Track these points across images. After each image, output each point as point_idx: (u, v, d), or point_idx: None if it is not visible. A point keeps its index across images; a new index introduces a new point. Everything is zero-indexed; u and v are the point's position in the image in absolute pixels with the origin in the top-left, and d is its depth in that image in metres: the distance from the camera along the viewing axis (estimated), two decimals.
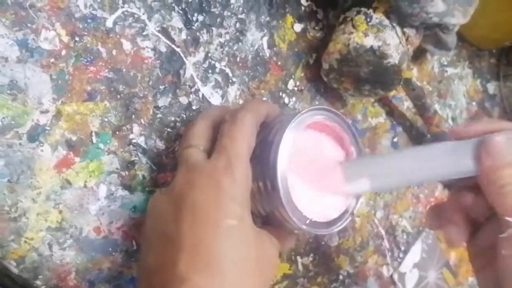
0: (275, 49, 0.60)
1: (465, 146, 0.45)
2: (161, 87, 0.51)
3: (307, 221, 0.44)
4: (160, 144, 0.51)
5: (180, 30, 0.52)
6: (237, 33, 0.56)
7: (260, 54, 0.58)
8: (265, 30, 0.58)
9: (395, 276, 0.74)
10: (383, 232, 0.73)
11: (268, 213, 0.45)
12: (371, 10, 0.58)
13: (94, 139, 0.47)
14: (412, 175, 0.47)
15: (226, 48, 0.55)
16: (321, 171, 0.48)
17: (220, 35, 0.55)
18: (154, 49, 0.50)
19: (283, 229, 0.46)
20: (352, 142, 0.49)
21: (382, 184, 0.49)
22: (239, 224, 0.40)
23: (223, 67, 0.55)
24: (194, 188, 0.41)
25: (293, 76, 0.62)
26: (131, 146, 0.49)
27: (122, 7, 0.48)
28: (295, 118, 0.44)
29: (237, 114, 0.44)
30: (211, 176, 0.41)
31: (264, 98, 0.58)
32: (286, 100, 0.61)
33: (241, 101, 0.56)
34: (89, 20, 0.46)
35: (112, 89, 0.48)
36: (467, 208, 0.49)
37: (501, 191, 0.43)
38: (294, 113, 0.45)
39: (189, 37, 0.52)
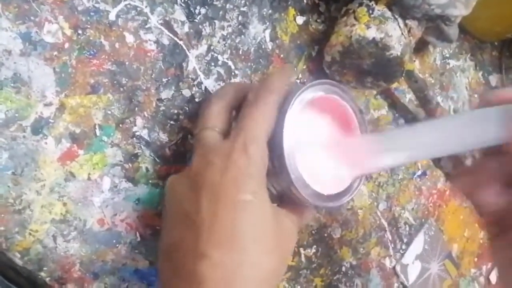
0: (277, 41, 0.60)
1: (492, 112, 0.43)
2: (164, 80, 0.51)
3: (318, 196, 0.45)
4: (163, 137, 0.51)
5: (183, 23, 0.52)
6: (240, 26, 0.56)
7: (263, 46, 0.58)
8: (268, 23, 0.58)
9: (398, 268, 0.74)
10: (385, 224, 0.73)
11: (282, 190, 0.45)
12: (373, 2, 0.58)
13: (98, 132, 0.47)
14: (443, 145, 0.47)
15: (229, 41, 0.55)
16: (343, 145, 0.49)
17: (222, 28, 0.55)
18: (157, 42, 0.50)
19: (300, 204, 0.46)
20: (355, 115, 0.49)
21: (416, 156, 0.49)
22: (256, 200, 0.41)
23: (225, 60, 0.55)
24: (212, 168, 0.41)
25: (295, 69, 0.62)
26: (134, 138, 0.49)
27: (125, 0, 0.48)
28: (298, 94, 0.44)
29: (260, 95, 0.44)
30: (228, 156, 0.41)
31: None
32: None
33: None
34: (92, 13, 0.46)
35: (115, 82, 0.48)
36: (491, 175, 0.49)
37: None
38: (298, 87, 0.45)
39: (191, 30, 0.52)
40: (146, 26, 0.49)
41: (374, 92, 0.71)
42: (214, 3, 0.54)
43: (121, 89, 0.48)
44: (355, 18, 0.58)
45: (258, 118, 0.42)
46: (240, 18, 0.56)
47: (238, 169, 0.41)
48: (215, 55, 0.54)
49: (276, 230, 0.42)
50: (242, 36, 0.56)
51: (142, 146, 0.49)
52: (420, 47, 0.75)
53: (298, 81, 0.62)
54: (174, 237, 0.42)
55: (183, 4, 0.52)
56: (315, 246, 0.64)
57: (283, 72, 0.49)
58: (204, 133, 0.45)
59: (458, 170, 0.53)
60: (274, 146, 0.43)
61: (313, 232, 0.64)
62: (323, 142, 0.48)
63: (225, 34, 0.55)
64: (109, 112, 0.48)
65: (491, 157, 0.49)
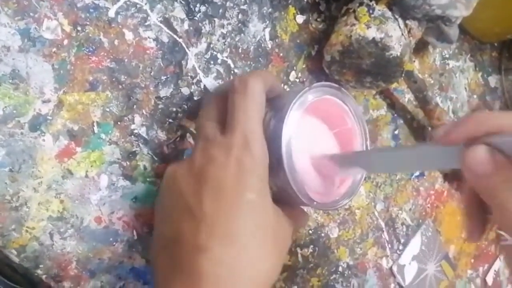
0: (277, 40, 0.59)
1: (450, 152, 0.41)
2: (163, 78, 0.51)
3: (314, 201, 0.45)
4: (162, 135, 0.51)
5: (183, 21, 0.52)
6: (239, 24, 0.56)
7: (262, 45, 0.58)
8: (267, 21, 0.58)
9: (395, 268, 0.74)
10: (383, 224, 0.73)
11: (279, 189, 0.45)
12: (373, 2, 0.58)
13: (96, 129, 0.47)
14: (400, 169, 0.48)
15: (228, 39, 0.55)
16: (321, 155, 0.49)
17: (222, 26, 0.55)
18: (156, 39, 0.50)
19: (296, 206, 0.47)
20: (354, 118, 0.49)
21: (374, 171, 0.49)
22: (259, 198, 0.41)
23: (225, 58, 0.55)
24: (215, 165, 0.42)
25: (295, 68, 0.61)
26: (132, 136, 0.49)
27: None
28: (298, 96, 0.44)
29: (247, 81, 0.44)
30: (230, 152, 0.41)
31: None
32: None
33: None
34: (91, 10, 0.46)
35: (114, 79, 0.47)
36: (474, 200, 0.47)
37: (493, 203, 0.40)
38: (299, 89, 0.45)
39: (191, 28, 0.52)
40: (146, 24, 0.49)
41: (373, 92, 0.71)
42: (214, 1, 0.54)
43: (120, 86, 0.48)
44: (355, 17, 0.58)
45: (249, 108, 0.43)
46: (240, 16, 0.56)
47: (243, 166, 0.41)
48: (215, 53, 0.54)
49: (275, 229, 0.42)
50: (242, 34, 0.56)
51: (140, 144, 0.49)
52: (420, 47, 0.75)
53: (298, 80, 0.62)
54: (173, 229, 0.42)
55: (183, 2, 0.51)
56: (312, 246, 0.64)
57: (267, 71, 0.51)
58: (204, 126, 0.45)
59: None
60: (273, 146, 0.43)
61: (310, 231, 0.64)
62: (312, 152, 0.49)
63: (225, 32, 0.55)
64: (108, 110, 0.47)
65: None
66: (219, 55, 0.54)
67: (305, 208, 0.53)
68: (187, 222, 0.41)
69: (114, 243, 0.48)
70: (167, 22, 0.51)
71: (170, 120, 0.51)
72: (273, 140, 0.43)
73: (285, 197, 0.45)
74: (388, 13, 0.57)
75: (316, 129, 0.50)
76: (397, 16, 0.57)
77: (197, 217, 0.40)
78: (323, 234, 0.65)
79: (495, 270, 0.92)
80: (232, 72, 0.55)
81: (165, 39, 0.51)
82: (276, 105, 0.45)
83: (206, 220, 0.40)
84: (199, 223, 0.40)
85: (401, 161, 0.47)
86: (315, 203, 0.45)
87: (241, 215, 0.40)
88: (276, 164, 0.43)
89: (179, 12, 0.51)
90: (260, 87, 0.44)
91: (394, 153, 0.49)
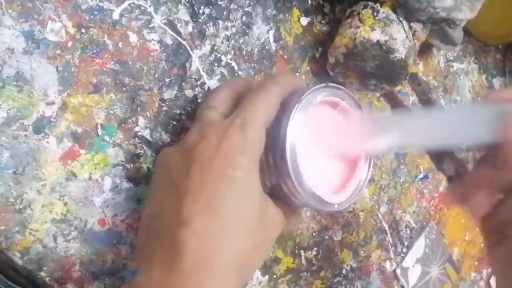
0: (281, 42, 0.59)
1: (487, 112, 0.43)
2: (167, 80, 0.50)
3: (314, 196, 0.45)
4: (166, 137, 0.51)
5: (187, 23, 0.52)
6: (244, 26, 0.56)
7: (266, 47, 0.58)
8: (272, 24, 0.58)
9: (398, 271, 0.74)
10: (386, 227, 0.73)
11: (274, 185, 0.45)
12: (378, 4, 0.58)
13: (100, 132, 0.47)
14: (435, 134, 0.47)
15: (232, 41, 0.55)
16: (339, 135, 0.49)
17: (226, 28, 0.54)
18: (160, 41, 0.50)
19: (289, 205, 0.46)
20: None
21: (404, 142, 0.48)
22: (245, 177, 0.41)
23: (229, 61, 0.55)
24: (205, 140, 0.42)
25: (299, 70, 0.61)
26: (136, 138, 0.49)
27: None
28: (305, 95, 0.44)
29: (266, 85, 0.44)
30: (224, 131, 0.41)
31: None
32: None
33: None
34: (95, 12, 0.46)
35: (118, 81, 0.47)
36: (487, 182, 0.48)
37: None
38: (306, 88, 0.45)
39: (195, 30, 0.52)
40: (150, 26, 0.49)
41: (377, 94, 0.71)
42: (218, 3, 0.54)
43: (124, 88, 0.48)
44: (359, 20, 0.57)
45: (259, 103, 0.43)
46: (244, 18, 0.56)
47: (232, 145, 0.41)
48: (219, 55, 0.54)
49: (261, 214, 0.42)
50: (246, 36, 0.56)
51: (144, 146, 0.49)
52: (424, 50, 0.75)
53: None
54: (157, 205, 0.43)
55: (187, 4, 0.51)
56: (315, 249, 0.64)
57: (289, 72, 0.49)
58: (205, 111, 0.46)
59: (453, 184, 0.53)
60: (277, 140, 0.43)
61: (314, 234, 0.64)
62: (323, 139, 0.48)
63: (229, 35, 0.55)
64: (111, 112, 0.47)
65: (486, 165, 0.48)
66: (223, 57, 0.54)
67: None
68: (172, 197, 0.41)
69: (118, 245, 0.48)
70: (171, 24, 0.51)
71: (174, 122, 0.51)
72: (271, 135, 0.43)
73: (281, 195, 0.45)
74: (393, 16, 0.57)
75: (321, 121, 0.49)
76: (401, 19, 0.57)
77: (181, 191, 0.40)
78: (326, 237, 0.65)
79: None
80: (236, 74, 0.55)
81: (169, 41, 0.50)
82: (284, 105, 0.45)
83: (189, 194, 0.40)
84: (182, 196, 0.40)
85: (437, 125, 0.46)
86: (311, 198, 0.45)
87: (225, 190, 0.40)
88: (273, 159, 0.43)
89: (183, 14, 0.51)
90: (277, 91, 0.44)
91: (430, 116, 0.48)
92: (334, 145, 0.48)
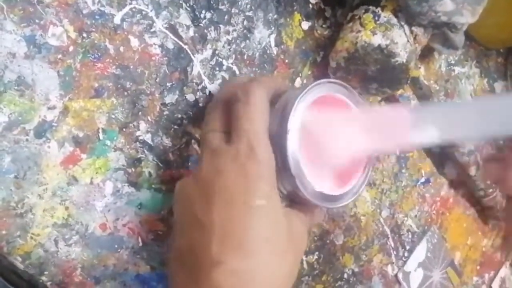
0: (282, 46, 0.59)
1: None
2: (168, 84, 0.50)
3: (321, 198, 0.45)
4: (167, 141, 0.51)
5: (188, 27, 0.52)
6: (245, 31, 0.56)
7: (268, 51, 0.58)
8: (273, 28, 0.58)
9: (400, 275, 0.73)
10: (388, 231, 0.73)
11: (289, 191, 0.45)
12: (379, 9, 0.57)
13: (101, 136, 0.47)
14: (483, 127, 0.44)
15: (234, 46, 0.55)
16: (345, 134, 0.47)
17: (227, 33, 0.55)
18: (162, 46, 0.50)
19: (308, 205, 0.46)
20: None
21: (450, 135, 0.46)
22: (268, 203, 0.41)
23: (230, 65, 0.55)
24: (221, 174, 0.41)
25: (300, 74, 0.61)
26: (137, 143, 0.49)
27: (130, 3, 0.48)
28: (301, 95, 0.44)
29: (249, 90, 0.44)
30: (236, 160, 0.41)
31: None
32: None
33: None
34: (97, 17, 0.46)
35: (119, 85, 0.47)
36: None
37: None
38: (301, 89, 0.44)
39: (196, 34, 0.52)
40: (151, 30, 0.49)
41: (379, 98, 0.71)
42: (220, 7, 0.54)
43: (125, 93, 0.48)
44: (361, 24, 0.57)
45: (254, 118, 0.42)
46: (245, 22, 0.56)
47: (249, 173, 0.40)
48: (220, 59, 0.54)
49: (288, 232, 0.42)
50: (247, 41, 0.56)
51: (146, 151, 0.49)
52: (426, 54, 0.75)
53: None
54: (185, 241, 0.42)
55: (188, 8, 0.51)
56: (317, 253, 0.64)
57: (271, 76, 0.50)
58: (208, 136, 0.45)
59: (487, 157, 0.52)
60: (279, 148, 0.43)
61: (316, 238, 0.64)
62: (340, 119, 0.47)
63: (230, 39, 0.55)
64: (113, 116, 0.47)
65: None
66: (224, 62, 0.54)
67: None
68: (198, 233, 0.41)
69: (119, 250, 0.48)
70: (172, 28, 0.51)
71: (176, 127, 0.51)
72: (278, 144, 0.43)
73: (297, 198, 0.45)
74: (394, 20, 0.57)
75: (322, 120, 0.48)
76: (402, 23, 0.57)
77: (207, 228, 0.40)
78: (328, 241, 0.65)
79: (501, 277, 0.92)
80: None
81: (170, 45, 0.51)
82: (275, 105, 0.45)
83: (216, 231, 0.39)
84: (209, 234, 0.40)
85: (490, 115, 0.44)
86: (319, 200, 0.45)
87: (252, 223, 0.40)
88: (282, 166, 0.43)
89: (184, 18, 0.51)
90: (262, 94, 0.44)
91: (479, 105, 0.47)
92: (340, 144, 0.48)
